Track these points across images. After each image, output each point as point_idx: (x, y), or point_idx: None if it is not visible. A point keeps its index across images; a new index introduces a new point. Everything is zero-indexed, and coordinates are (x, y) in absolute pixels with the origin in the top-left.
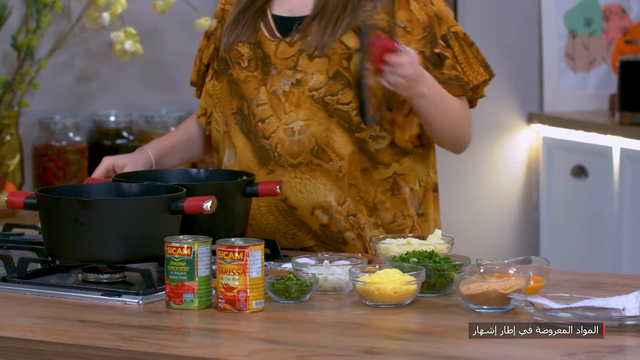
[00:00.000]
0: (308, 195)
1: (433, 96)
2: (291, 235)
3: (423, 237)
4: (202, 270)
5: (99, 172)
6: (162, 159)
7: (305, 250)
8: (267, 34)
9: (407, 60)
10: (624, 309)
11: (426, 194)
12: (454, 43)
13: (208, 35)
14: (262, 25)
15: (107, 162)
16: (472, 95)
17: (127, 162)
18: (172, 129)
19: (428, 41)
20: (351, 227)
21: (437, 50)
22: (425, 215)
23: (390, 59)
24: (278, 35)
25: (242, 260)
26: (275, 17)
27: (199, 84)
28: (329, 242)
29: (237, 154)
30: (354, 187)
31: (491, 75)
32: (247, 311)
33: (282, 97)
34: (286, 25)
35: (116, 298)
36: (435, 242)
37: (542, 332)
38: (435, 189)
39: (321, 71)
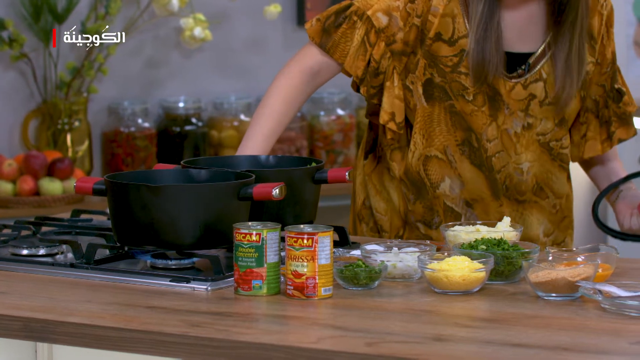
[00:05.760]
0: (523, 229)
1: None
2: None
3: (492, 225)
4: (271, 256)
5: None
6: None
7: None
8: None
9: None
10: None
11: None
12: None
13: (377, 31)
14: None
15: None
16: None
17: None
18: (242, 116)
19: (609, 76)
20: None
21: (616, 86)
22: None
23: None
24: (504, 72)
25: (311, 247)
26: None
27: (365, 80)
28: None
29: (466, 183)
30: (568, 217)
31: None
32: (316, 298)
33: (514, 137)
34: (509, 60)
35: (184, 284)
36: (504, 229)
37: (610, 320)
38: None
39: (549, 118)
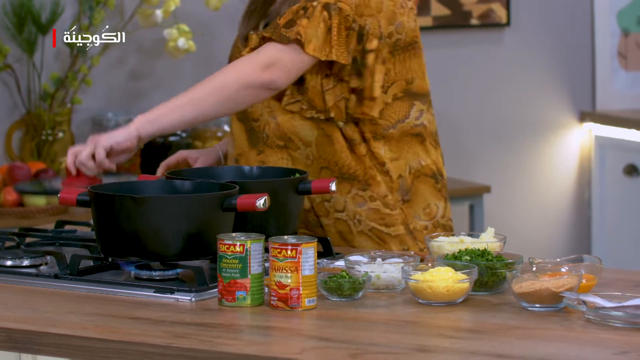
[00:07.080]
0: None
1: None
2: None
3: (476, 236)
4: (255, 267)
5: (171, 160)
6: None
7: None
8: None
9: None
10: None
11: (415, 181)
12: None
13: None
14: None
15: (181, 154)
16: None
17: (199, 156)
18: (226, 127)
19: (290, 4)
20: (326, 213)
21: (279, 21)
22: (410, 202)
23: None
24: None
25: (295, 257)
26: None
27: None
28: (311, 227)
29: (235, 140)
30: (327, 169)
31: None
32: (300, 309)
33: None
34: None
35: (168, 295)
36: (487, 240)
37: (594, 331)
38: (433, 175)
39: None
